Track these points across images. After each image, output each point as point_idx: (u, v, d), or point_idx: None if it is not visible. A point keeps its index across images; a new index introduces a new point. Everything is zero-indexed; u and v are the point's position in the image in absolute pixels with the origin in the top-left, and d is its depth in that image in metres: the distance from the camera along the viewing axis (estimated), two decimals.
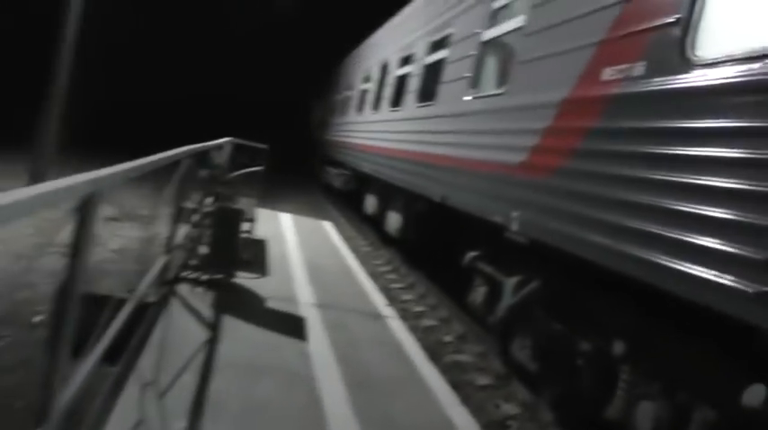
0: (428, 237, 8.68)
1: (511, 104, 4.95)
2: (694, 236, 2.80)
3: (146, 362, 3.86)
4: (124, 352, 4.02)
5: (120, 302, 4.00)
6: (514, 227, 4.49)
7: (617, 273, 3.33)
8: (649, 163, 3.15)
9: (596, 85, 3.73)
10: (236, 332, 4.61)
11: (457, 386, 5.41)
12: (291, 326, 5.09)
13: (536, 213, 4.18)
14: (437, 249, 8.97)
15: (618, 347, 3.72)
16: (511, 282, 4.86)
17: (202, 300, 5.22)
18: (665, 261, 2.96)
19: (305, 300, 5.93)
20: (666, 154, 3.03)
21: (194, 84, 29.73)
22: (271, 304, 5.57)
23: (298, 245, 8.78)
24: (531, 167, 4.36)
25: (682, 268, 2.84)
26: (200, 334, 4.46)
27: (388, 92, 10.44)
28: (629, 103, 3.41)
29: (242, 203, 7.79)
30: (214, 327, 4.62)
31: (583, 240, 3.60)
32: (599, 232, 3.48)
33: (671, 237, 2.94)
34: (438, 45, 7.81)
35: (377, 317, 5.94)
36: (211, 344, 4.30)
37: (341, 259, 8.54)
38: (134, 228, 9.69)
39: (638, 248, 3.15)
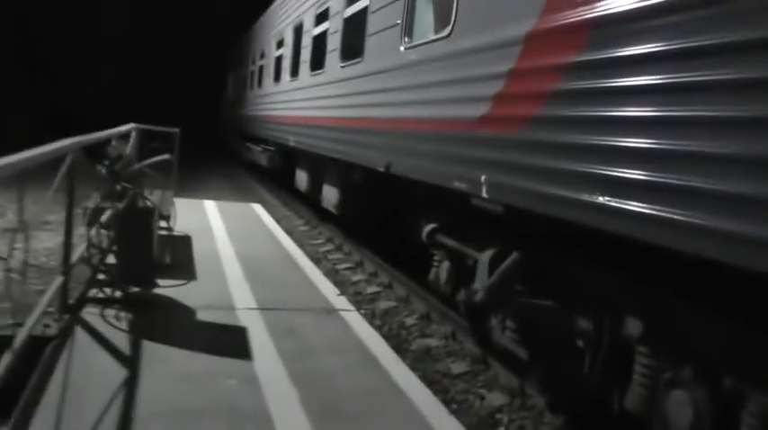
0: (371, 209, 7.91)
1: (460, 48, 4.18)
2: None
3: (44, 416, 2.94)
4: (15, 405, 3.09)
5: (5, 340, 3.15)
6: (484, 193, 3.78)
7: (626, 238, 2.67)
8: (665, 98, 2.46)
9: (575, 9, 3.00)
10: (162, 363, 3.69)
11: (432, 380, 4.75)
12: (230, 341, 4.21)
13: (510, 175, 3.47)
14: (382, 222, 8.23)
15: (630, 325, 3.11)
16: (484, 257, 4.17)
17: (116, 326, 4.24)
18: (683, 216, 2.31)
19: (243, 304, 5.05)
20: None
21: (107, 78, 27.21)
22: (202, 316, 4.66)
23: (227, 235, 7.79)
24: (497, 120, 3.62)
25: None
26: (114, 372, 3.53)
27: (306, 55, 9.44)
28: (624, 26, 2.70)
29: (156, 197, 6.72)
30: (132, 361, 3.68)
31: (578, 201, 2.90)
32: (599, 189, 2.79)
33: (689, 187, 2.28)
34: None
35: (330, 312, 5.15)
36: (130, 385, 3.38)
37: (277, 245, 7.65)
38: (41, 238, 8.37)
39: (648, 205, 2.48)
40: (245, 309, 4.93)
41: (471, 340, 5.41)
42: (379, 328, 5.54)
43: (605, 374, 3.41)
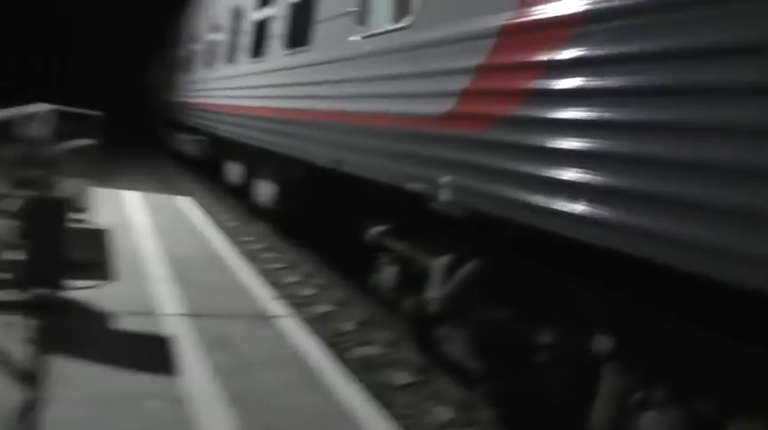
0: (310, 207, 7.50)
1: (422, 40, 3.87)
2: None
3: None
4: None
5: None
6: (444, 196, 3.49)
7: (601, 249, 2.45)
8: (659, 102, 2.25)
9: (554, 2, 2.76)
10: (72, 382, 3.17)
11: (375, 393, 4.43)
12: (154, 354, 3.73)
13: (477, 178, 3.19)
14: (320, 221, 7.84)
15: (600, 340, 2.90)
16: (439, 263, 3.89)
17: (17, 337, 3.66)
18: (674, 229, 2.12)
19: (170, 309, 4.55)
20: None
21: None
22: (122, 324, 4.13)
23: (151, 230, 7.17)
24: (463, 118, 3.34)
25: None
26: (11, 394, 2.99)
27: (245, 40, 8.88)
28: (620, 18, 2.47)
29: (74, 186, 6.06)
30: (34, 381, 3.14)
31: (555, 210, 2.66)
32: (579, 197, 2.55)
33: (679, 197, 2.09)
34: None
35: (265, 318, 4.74)
36: (31, 410, 2.86)
37: (207, 242, 7.11)
38: None
39: (635, 216, 2.27)
40: (171, 315, 4.43)
41: (415, 349, 5.14)
42: (316, 335, 5.16)
43: (568, 391, 3.21)
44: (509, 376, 3.68)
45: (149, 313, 4.40)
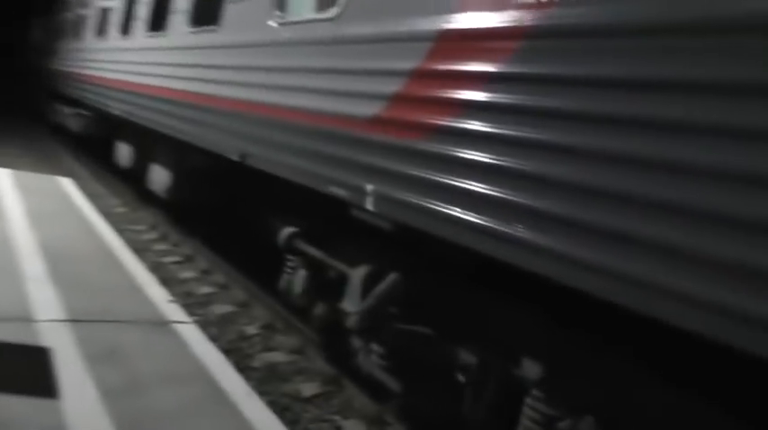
0: (210, 199, 7.01)
1: (350, 35, 3.62)
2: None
3: None
4: None
5: None
6: (369, 205, 3.28)
7: (543, 277, 2.36)
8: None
9: (502, 12, 2.61)
10: None
11: (282, 406, 4.17)
12: (27, 371, 3.22)
13: (407, 189, 3.01)
14: (221, 215, 7.37)
15: (527, 366, 2.84)
16: (357, 274, 3.68)
17: None
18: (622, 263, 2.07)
19: (47, 315, 4.00)
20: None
21: None
22: None
23: (25, 218, 6.38)
24: (394, 124, 3.14)
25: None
26: None
27: (143, 11, 8.13)
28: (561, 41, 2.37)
29: None
30: None
31: (482, 228, 2.54)
32: (512, 219, 2.44)
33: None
34: None
35: (161, 324, 4.31)
36: None
37: (91, 231, 6.43)
38: None
39: (588, 250, 2.19)
40: (48, 321, 3.89)
41: (324, 357, 4.92)
42: (215, 340, 4.79)
43: (489, 415, 3.13)
44: (426, 395, 3.56)
45: (21, 319, 3.84)
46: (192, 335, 4.25)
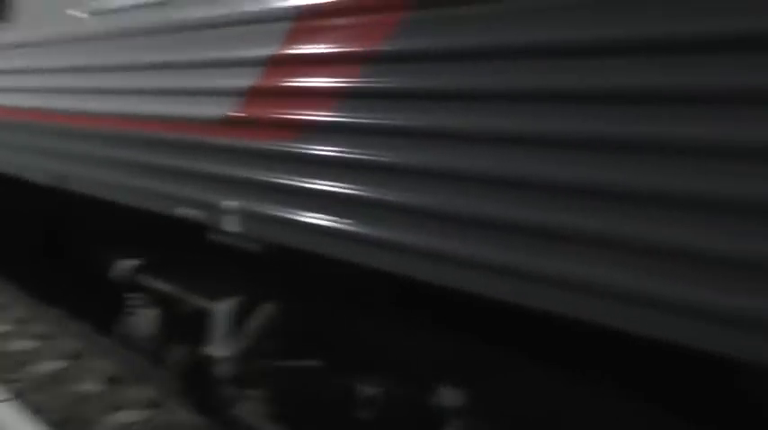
0: (22, 234, 5.83)
1: (186, 19, 2.97)
2: None
3: None
4: None
5: None
6: (230, 226, 2.68)
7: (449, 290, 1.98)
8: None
9: None
10: None
11: None
12: None
13: (279, 202, 2.46)
14: (39, 250, 6.16)
15: (442, 390, 2.46)
16: (223, 308, 3.05)
17: None
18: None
19: None
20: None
21: None
22: None
23: None
24: (254, 125, 2.57)
25: None
26: None
27: None
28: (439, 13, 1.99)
29: None
30: None
31: (373, 240, 2.10)
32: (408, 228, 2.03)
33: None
34: None
35: None
36: None
37: None
38: None
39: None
40: None
41: (187, 408, 4.17)
42: (39, 411, 3.84)
43: None
44: None
45: None
46: (5, 413, 3.31)
